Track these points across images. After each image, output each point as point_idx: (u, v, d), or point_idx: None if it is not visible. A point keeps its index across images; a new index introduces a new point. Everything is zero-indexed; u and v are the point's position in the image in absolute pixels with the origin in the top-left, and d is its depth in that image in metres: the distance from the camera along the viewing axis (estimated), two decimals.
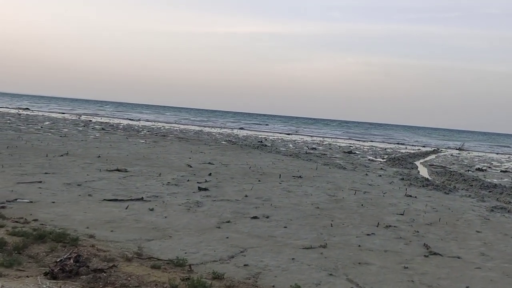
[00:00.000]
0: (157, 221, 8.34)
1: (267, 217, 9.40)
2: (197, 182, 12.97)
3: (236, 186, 13.00)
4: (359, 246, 7.94)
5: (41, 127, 30.68)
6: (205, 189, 11.95)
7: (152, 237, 7.32)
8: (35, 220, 7.57)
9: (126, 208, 9.06)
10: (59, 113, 64.65)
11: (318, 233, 8.54)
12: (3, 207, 8.26)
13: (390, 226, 9.69)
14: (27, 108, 70.26)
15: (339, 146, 38.71)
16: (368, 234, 8.80)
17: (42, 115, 52.17)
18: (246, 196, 11.58)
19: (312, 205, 11.19)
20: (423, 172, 23.44)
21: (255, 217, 9.27)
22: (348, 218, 10.09)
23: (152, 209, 9.17)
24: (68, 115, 59.39)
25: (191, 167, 16.38)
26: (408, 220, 10.45)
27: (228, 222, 8.75)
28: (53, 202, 9.08)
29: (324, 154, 28.11)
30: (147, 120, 65.67)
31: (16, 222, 7.19)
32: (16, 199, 8.97)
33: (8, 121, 34.12)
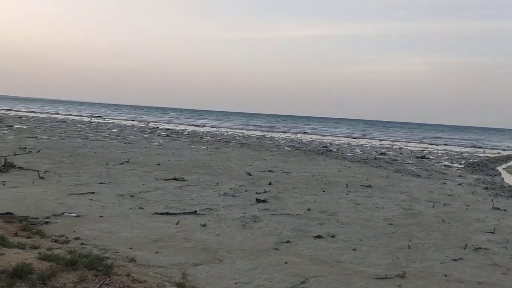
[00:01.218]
0: (208, 240, 7.47)
1: (333, 236, 8.24)
2: (256, 193, 12.04)
3: (297, 198, 11.92)
4: (445, 275, 6.59)
5: (108, 135, 31.30)
6: (264, 201, 10.98)
7: (200, 260, 6.43)
8: (77, 238, 6.95)
9: (176, 224, 8.28)
10: (129, 120, 66.80)
11: (394, 258, 7.27)
12: (47, 223, 7.76)
13: (480, 248, 8.18)
14: (100, 116, 73.35)
15: (411, 151, 36.37)
16: (454, 259, 7.40)
17: (112, 122, 53.96)
18: (308, 209, 10.48)
19: (385, 221, 9.86)
20: (508, 179, 21.01)
21: (318, 236, 8.15)
22: (428, 238, 8.68)
23: (204, 225, 8.32)
24: (137, 122, 61.10)
25: (250, 175, 15.51)
26: (501, 240, 8.85)
27: (288, 242, 7.69)
28: (101, 216, 8.50)
29: (394, 160, 26.26)
30: (212, 126, 66.16)
31: (55, 241, 6.60)
32: (63, 213, 8.49)
33: (79, 129, 35.26)
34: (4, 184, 10.92)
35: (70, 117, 60.28)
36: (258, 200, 10.94)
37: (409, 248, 7.87)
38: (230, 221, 8.78)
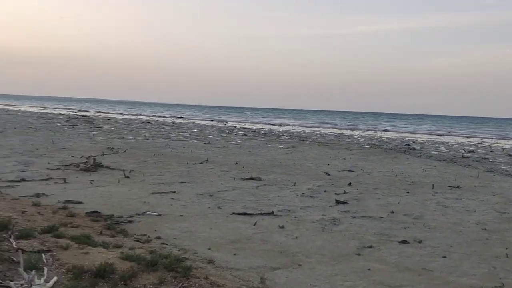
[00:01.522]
0: (287, 243, 7.27)
1: (420, 242, 7.70)
2: (335, 194, 11.66)
3: (380, 199, 11.37)
4: None
5: (189, 135, 32.25)
6: (344, 203, 10.59)
7: (278, 264, 6.26)
8: (158, 238, 7.07)
9: (254, 225, 8.18)
10: (208, 120, 68.62)
11: (490, 267, 6.61)
12: (130, 221, 8.01)
13: None
14: (181, 117, 76.10)
15: (502, 148, 33.71)
16: None
17: (193, 123, 55.70)
18: (392, 212, 9.92)
19: (477, 226, 9.07)
20: None
21: (404, 241, 7.65)
22: None
23: (282, 227, 8.14)
24: (216, 122, 62.56)
25: (329, 175, 15.11)
26: None
27: (370, 247, 7.29)
28: (181, 216, 8.62)
29: (485, 158, 24.42)
30: (288, 125, 66.04)
31: (137, 240, 6.75)
32: (145, 212, 8.72)
33: (162, 130, 36.71)
34: (92, 183, 11.50)
35: (155, 118, 63.11)
36: (337, 202, 10.57)
37: (507, 256, 7.14)
38: (308, 223, 8.52)
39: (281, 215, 9.03)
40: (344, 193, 11.85)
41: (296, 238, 7.56)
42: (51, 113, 61.53)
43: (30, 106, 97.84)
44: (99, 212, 8.45)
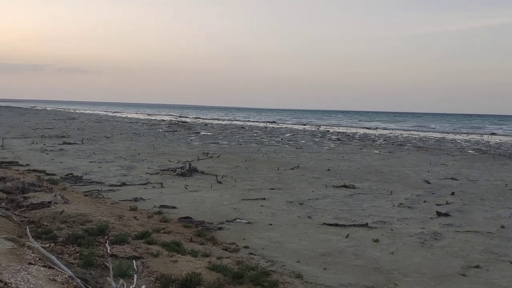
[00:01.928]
0: (381, 258, 6.78)
1: None
2: (436, 204, 10.79)
3: (487, 212, 10.30)
4: None
5: (281, 139, 32.29)
6: (446, 215, 9.73)
7: (372, 282, 5.82)
8: (246, 247, 6.97)
9: (346, 237, 7.77)
10: (301, 125, 68.43)
11: None
12: (220, 228, 8.01)
13: None
14: (274, 122, 76.76)
15: None
16: None
17: (285, 127, 55.83)
18: (502, 226, 8.90)
19: None
20: None
21: None
22: None
23: (376, 240, 7.64)
24: (309, 126, 62.16)
25: (429, 183, 14.09)
26: None
27: (477, 267, 6.53)
28: (270, 224, 8.47)
29: None
30: (385, 128, 63.60)
31: (225, 249, 6.70)
32: (235, 219, 8.70)
33: (255, 135, 37.21)
34: (186, 188, 11.82)
35: (248, 123, 64.36)
36: (439, 214, 9.74)
37: None
38: (406, 237, 7.91)
39: (375, 227, 8.50)
40: (446, 204, 10.93)
41: (392, 253, 7.03)
42: (154, 119, 65.42)
43: (136, 113, 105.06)
44: (191, 218, 8.59)
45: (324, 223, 8.68)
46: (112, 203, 9.68)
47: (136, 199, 10.16)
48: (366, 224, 8.62)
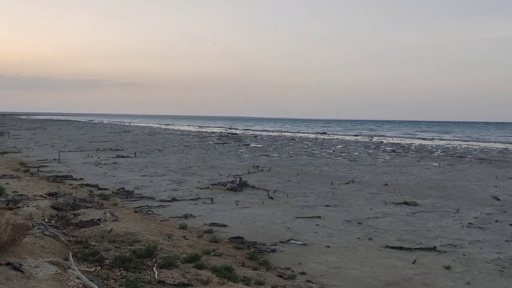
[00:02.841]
0: None
1: None
2: (510, 225, 9.76)
3: None
4: None
5: (333, 151, 31.41)
6: None
7: None
8: (302, 273, 6.40)
9: (413, 263, 7.03)
10: (352, 135, 66.90)
11: None
12: (273, 250, 7.49)
13: None
14: (324, 133, 75.60)
15: None
16: None
17: (337, 138, 54.65)
18: None
19: None
20: None
21: None
22: None
23: (448, 267, 6.84)
24: (361, 137, 60.62)
25: (498, 200, 12.93)
26: None
27: None
28: (328, 247, 7.85)
29: None
30: (441, 139, 60.93)
31: (280, 276, 6.16)
32: (289, 240, 8.14)
33: (305, 146, 36.50)
34: (237, 204, 11.40)
35: (298, 134, 63.65)
36: None
37: None
38: (481, 264, 7.05)
39: (445, 251, 7.68)
40: None
41: (468, 283, 6.22)
42: (205, 131, 66.12)
43: (188, 125, 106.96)
44: (242, 238, 8.13)
45: (387, 246, 7.95)
46: (161, 220, 9.40)
47: (186, 216, 9.85)
48: (434, 248, 7.81)
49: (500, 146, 44.78)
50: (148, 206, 10.79)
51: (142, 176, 16.04)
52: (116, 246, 7.00)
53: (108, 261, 6.28)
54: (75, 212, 9.17)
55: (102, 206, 10.02)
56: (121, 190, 12.96)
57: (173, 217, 9.73)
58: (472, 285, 6.17)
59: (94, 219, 8.58)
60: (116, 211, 9.63)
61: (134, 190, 12.95)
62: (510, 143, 51.23)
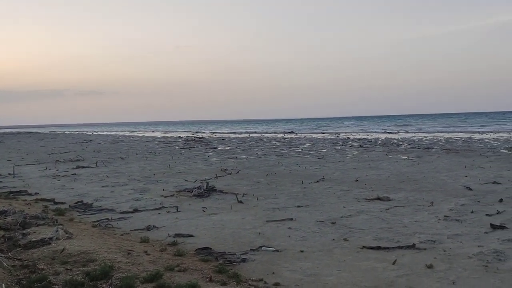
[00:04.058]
0: None
1: None
2: (486, 215, 9.51)
3: None
4: None
5: (301, 150, 31.09)
6: (502, 227, 8.44)
7: None
8: (276, 284, 5.83)
9: (393, 263, 6.57)
10: (319, 133, 67.09)
11: None
12: (244, 260, 6.89)
13: None
14: (292, 132, 75.58)
15: None
16: None
17: (304, 137, 54.56)
18: None
19: None
20: None
21: None
22: None
23: (430, 266, 6.41)
24: (328, 134, 60.80)
25: (471, 189, 12.76)
26: None
27: None
28: (302, 252, 7.31)
29: None
30: (406, 132, 61.85)
31: None
32: (261, 247, 7.57)
33: (274, 146, 36.07)
34: (204, 211, 10.75)
35: (266, 135, 63.29)
36: (493, 226, 8.45)
37: None
38: (464, 260, 6.66)
39: (425, 248, 7.27)
40: (497, 213, 9.62)
41: (454, 283, 5.80)
42: (171, 136, 64.86)
43: (153, 131, 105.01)
44: (210, 249, 7.50)
45: (364, 246, 7.48)
46: (121, 234, 8.66)
47: (148, 228, 9.13)
48: (413, 245, 7.40)
49: (464, 135, 45.65)
50: (108, 219, 10.01)
51: (102, 187, 15.15)
52: (67, 269, 6.24)
53: (57, 286, 5.55)
54: (24, 231, 8.31)
55: (56, 222, 9.20)
56: (79, 203, 12.10)
57: (134, 230, 9.00)
58: (458, 284, 5.75)
59: (45, 238, 7.76)
60: (71, 227, 8.84)
61: (93, 203, 12.10)
62: (473, 132, 52.39)
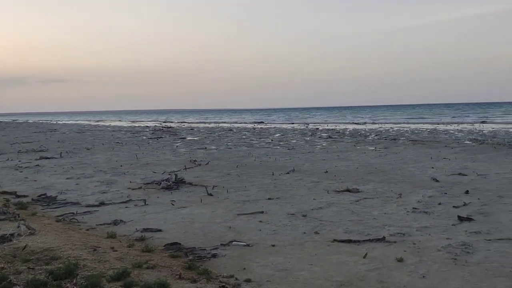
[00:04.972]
0: (413, 285, 5.59)
1: None
2: (453, 207, 9.68)
3: None
4: None
5: (271, 140, 31.09)
6: (469, 219, 8.60)
7: None
8: (248, 281, 5.73)
9: (364, 257, 6.58)
10: (290, 123, 67.35)
11: None
12: (214, 255, 6.76)
13: None
14: (262, 122, 75.59)
15: None
16: None
17: (274, 127, 54.65)
18: None
19: None
20: None
21: None
22: None
23: (401, 260, 6.45)
24: (297, 125, 61.08)
25: (437, 181, 12.99)
26: None
27: None
28: (273, 246, 7.24)
29: None
30: (374, 122, 62.84)
31: (223, 286, 5.45)
32: (231, 241, 7.45)
33: (244, 137, 35.93)
34: (173, 204, 10.54)
35: (236, 125, 63.03)
36: (460, 218, 8.61)
37: None
38: (433, 253, 6.74)
39: (395, 241, 7.32)
40: (464, 205, 9.82)
41: (424, 276, 5.84)
42: (138, 126, 63.77)
43: (120, 120, 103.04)
44: (179, 244, 7.33)
45: (335, 240, 7.47)
46: (87, 229, 8.38)
47: (115, 222, 8.87)
48: (384, 238, 7.44)
49: (430, 127, 46.70)
50: (73, 213, 9.67)
51: (67, 179, 14.67)
52: (29, 267, 5.95)
53: (18, 287, 5.28)
54: None
55: (18, 217, 8.81)
56: (43, 196, 11.66)
57: (100, 225, 8.72)
58: (428, 278, 5.80)
59: (6, 234, 7.40)
60: (34, 222, 8.49)
61: (57, 196, 11.69)
62: (438, 124, 53.68)
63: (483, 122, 54.93)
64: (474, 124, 49.51)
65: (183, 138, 35.44)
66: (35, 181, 14.38)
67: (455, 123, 53.56)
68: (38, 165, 18.36)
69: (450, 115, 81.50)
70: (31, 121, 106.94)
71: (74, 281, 5.32)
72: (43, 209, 10.28)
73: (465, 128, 42.67)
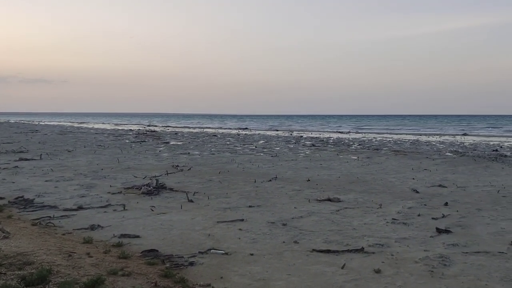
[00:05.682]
0: None
1: None
2: (432, 218, 9.76)
3: (490, 225, 9.30)
4: None
5: (255, 147, 31.07)
6: (447, 231, 8.67)
7: None
8: None
9: (342, 268, 6.58)
10: (274, 130, 67.49)
11: None
12: (191, 263, 6.69)
13: None
14: (246, 128, 75.62)
15: None
16: None
17: (258, 133, 54.70)
18: None
19: None
20: None
21: None
22: None
23: (378, 271, 6.46)
24: (282, 132, 61.25)
25: (418, 192, 13.11)
26: None
27: None
28: (252, 255, 7.20)
29: None
30: (357, 132, 63.35)
31: None
32: (210, 249, 7.39)
33: (228, 142, 35.86)
34: (153, 210, 10.42)
35: (220, 131, 62.93)
36: (439, 230, 8.67)
37: None
38: (411, 265, 6.77)
39: (373, 252, 7.34)
40: (442, 217, 9.91)
41: None
42: (122, 129, 63.20)
43: (103, 123, 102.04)
44: (156, 251, 7.24)
45: (314, 250, 7.46)
46: (63, 234, 8.22)
47: (92, 227, 8.72)
48: (362, 249, 7.45)
49: (412, 137, 47.22)
50: (50, 217, 9.49)
51: (46, 181, 14.42)
52: (1, 272, 5.80)
53: None
54: None
55: None
56: (20, 198, 11.43)
57: (77, 229, 8.57)
58: None
59: None
60: (8, 225, 8.32)
61: (34, 198, 11.47)
62: (420, 135, 54.32)
63: (465, 134, 55.76)
64: (456, 136, 50.24)
65: (166, 142, 35.21)
66: (13, 182, 14.11)
67: (437, 135, 54.29)
68: (17, 166, 18.03)
69: (433, 126, 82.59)
70: (12, 121, 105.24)
71: (47, 287, 5.21)
72: (19, 212, 10.08)
73: (447, 140, 43.25)
